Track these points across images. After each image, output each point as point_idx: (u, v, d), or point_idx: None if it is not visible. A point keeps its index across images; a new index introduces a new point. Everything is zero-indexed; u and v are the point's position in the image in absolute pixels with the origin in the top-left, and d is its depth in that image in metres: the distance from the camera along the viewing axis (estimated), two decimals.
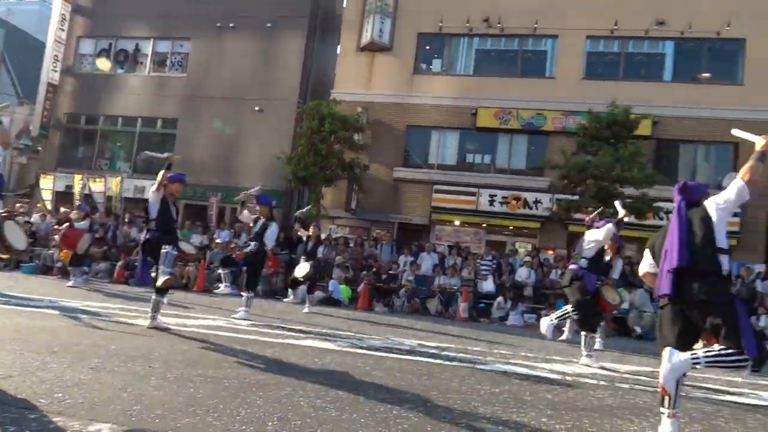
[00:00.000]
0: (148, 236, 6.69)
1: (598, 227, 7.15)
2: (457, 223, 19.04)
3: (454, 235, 18.93)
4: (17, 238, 5.18)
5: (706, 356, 3.49)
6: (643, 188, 14.39)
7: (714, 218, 3.66)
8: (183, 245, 7.26)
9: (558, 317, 7.32)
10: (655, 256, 3.95)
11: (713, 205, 3.72)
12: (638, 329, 12.42)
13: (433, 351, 6.91)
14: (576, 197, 14.87)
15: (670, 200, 15.31)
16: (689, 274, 3.59)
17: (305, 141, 16.29)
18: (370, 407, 3.78)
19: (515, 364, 6.41)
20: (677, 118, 17.75)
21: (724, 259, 3.60)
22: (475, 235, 19.09)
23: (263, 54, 21.18)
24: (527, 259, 14.77)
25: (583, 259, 6.99)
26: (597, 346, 8.94)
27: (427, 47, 20.16)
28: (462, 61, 19.94)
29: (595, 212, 8.93)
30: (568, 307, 7.21)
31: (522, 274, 14.13)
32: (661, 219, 16.88)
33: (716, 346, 3.49)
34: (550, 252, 17.05)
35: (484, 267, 14.53)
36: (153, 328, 6.34)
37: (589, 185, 14.15)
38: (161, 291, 6.47)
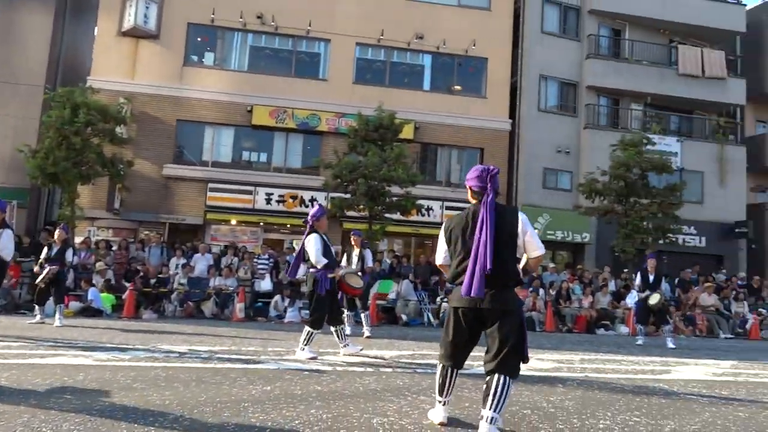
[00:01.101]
0: None
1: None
2: (233, 222, 18.60)
3: (230, 235, 18.46)
4: None
5: (499, 404, 3.44)
6: (408, 187, 15.66)
7: (520, 236, 3.67)
8: None
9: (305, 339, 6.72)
10: (450, 244, 3.78)
11: (527, 227, 3.72)
12: (404, 317, 13.51)
13: (204, 355, 6.65)
14: (348, 195, 15.60)
15: (432, 198, 16.90)
16: (493, 281, 3.53)
17: (54, 132, 14.32)
18: (127, 425, 3.48)
19: (288, 360, 6.49)
20: (435, 125, 19.74)
21: (519, 270, 3.74)
22: (252, 234, 18.86)
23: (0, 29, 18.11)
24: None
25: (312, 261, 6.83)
26: (367, 333, 9.54)
27: (199, 39, 19.28)
28: (236, 56, 19.50)
29: None
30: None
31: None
32: (423, 216, 18.72)
33: (497, 390, 3.43)
34: None
35: (261, 266, 14.43)
36: None
37: (359, 184, 14.94)
38: None
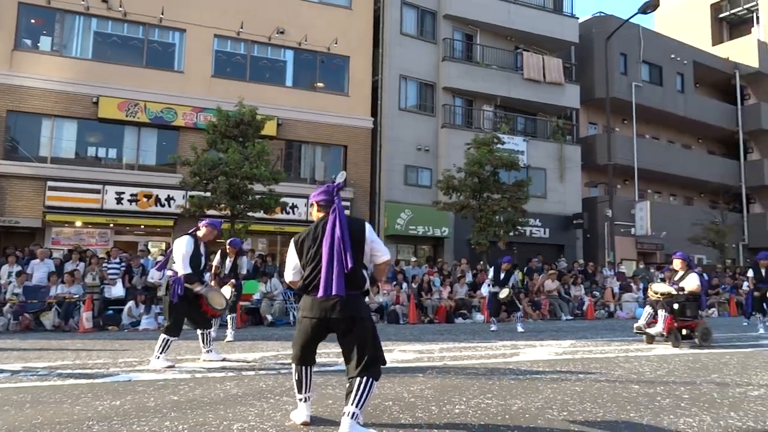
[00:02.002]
0: None
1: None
2: (78, 223, 17.00)
3: (75, 238, 16.87)
4: None
5: (361, 401, 3.48)
6: (271, 185, 15.36)
7: (367, 243, 3.74)
8: None
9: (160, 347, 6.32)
10: (302, 255, 3.77)
11: (372, 235, 3.80)
12: (269, 317, 13.25)
13: (42, 372, 6.01)
14: (208, 194, 14.95)
15: (297, 196, 16.72)
16: (347, 287, 3.59)
17: None
18: None
19: (142, 371, 6.07)
20: (299, 121, 19.57)
21: (367, 278, 3.82)
22: (101, 237, 17.39)
23: None
24: (159, 258, 14.17)
25: (175, 265, 6.47)
26: (229, 337, 9.23)
27: (32, 21, 17.34)
28: (78, 42, 17.78)
29: None
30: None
31: (155, 275, 13.48)
32: (288, 213, 18.49)
33: (360, 389, 3.48)
34: None
35: (111, 271, 13.36)
36: None
37: (220, 182, 14.38)
38: None
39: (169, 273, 6.54)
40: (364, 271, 3.77)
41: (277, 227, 18.47)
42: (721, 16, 40.29)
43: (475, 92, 22.59)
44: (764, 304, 11.49)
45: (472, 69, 22.56)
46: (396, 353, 7.54)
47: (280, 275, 14.84)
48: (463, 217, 18.69)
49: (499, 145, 18.25)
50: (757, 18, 37.91)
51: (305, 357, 3.82)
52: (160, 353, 6.27)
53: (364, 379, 3.51)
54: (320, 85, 20.38)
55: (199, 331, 6.79)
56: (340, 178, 19.76)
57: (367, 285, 3.80)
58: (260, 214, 15.87)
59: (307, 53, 20.07)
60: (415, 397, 4.75)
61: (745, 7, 39.22)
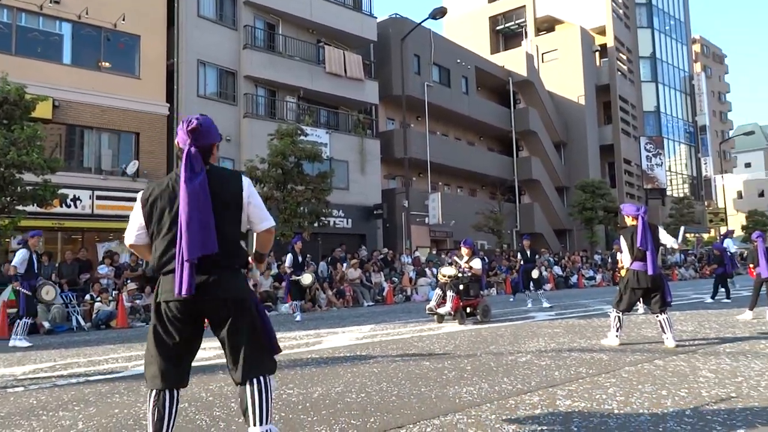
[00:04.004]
0: None
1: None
2: None
3: None
4: None
5: (264, 414, 2.68)
6: (46, 174, 13.53)
7: (244, 206, 2.84)
8: None
9: None
10: (152, 221, 2.78)
11: (253, 195, 2.90)
12: (46, 324, 11.67)
13: None
14: None
15: (80, 187, 15.00)
16: (212, 263, 2.69)
17: None
18: None
19: None
20: (80, 104, 17.51)
21: (245, 249, 2.91)
22: None
23: None
24: None
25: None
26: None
27: None
28: None
29: None
30: None
31: None
32: (69, 207, 16.47)
33: (257, 398, 2.69)
34: None
35: None
36: None
37: None
38: None
39: None
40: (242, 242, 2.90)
41: (55, 222, 16.37)
42: (498, 28, 45.47)
43: (277, 83, 22.40)
44: (530, 282, 13.13)
45: (275, 59, 22.33)
46: (198, 352, 7.17)
47: (61, 276, 13.22)
48: (267, 208, 18.42)
49: (302, 137, 18.35)
50: (526, 33, 43.49)
51: (167, 374, 2.69)
52: None
53: (257, 382, 2.69)
54: (106, 64, 18.48)
55: None
56: (132, 168, 18.18)
57: (247, 257, 2.96)
58: (33, 208, 13.91)
59: (90, 28, 18.03)
60: (214, 395, 4.55)
61: (517, 22, 44.76)
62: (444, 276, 9.89)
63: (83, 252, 15.09)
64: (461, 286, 9.58)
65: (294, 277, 12.03)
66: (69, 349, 8.26)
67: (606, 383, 4.48)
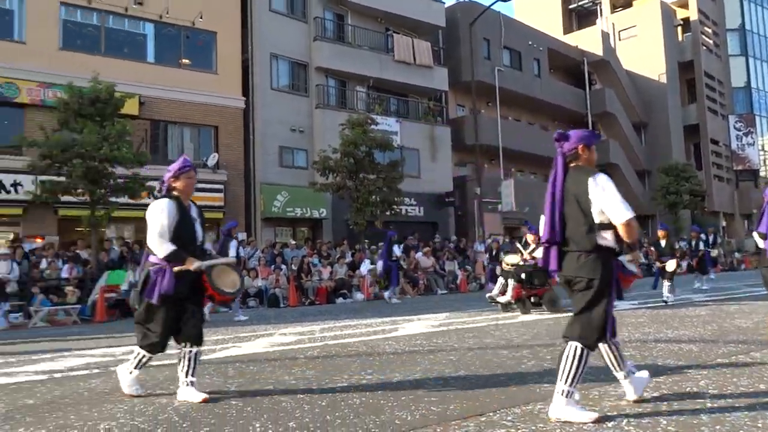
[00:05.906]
0: None
1: None
2: None
3: None
4: None
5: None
6: (135, 168, 14.35)
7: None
8: None
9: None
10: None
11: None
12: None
13: None
14: (63, 178, 13.65)
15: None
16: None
17: None
18: None
19: None
20: (163, 100, 18.38)
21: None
22: None
23: None
24: (5, 251, 12.78)
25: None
26: None
27: None
28: None
29: None
30: None
31: (1, 268, 12.13)
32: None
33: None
34: (39, 240, 15.31)
35: None
36: None
37: (75, 165, 13.17)
38: None
39: (152, 260, 4.42)
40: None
41: (144, 213, 17.29)
42: (571, 7, 43.69)
43: (347, 73, 22.60)
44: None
45: (345, 49, 22.52)
46: (276, 337, 7.43)
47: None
48: (340, 197, 18.76)
49: (373, 126, 18.47)
50: (601, 11, 41.62)
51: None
52: (134, 368, 4.38)
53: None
54: (186, 61, 19.28)
55: (182, 348, 4.28)
56: (212, 160, 18.94)
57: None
58: (125, 200, 14.80)
59: (170, 27, 18.85)
60: (297, 379, 4.71)
61: None
62: (507, 264, 9.67)
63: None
64: (523, 275, 9.25)
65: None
66: None
67: (697, 375, 4.29)
